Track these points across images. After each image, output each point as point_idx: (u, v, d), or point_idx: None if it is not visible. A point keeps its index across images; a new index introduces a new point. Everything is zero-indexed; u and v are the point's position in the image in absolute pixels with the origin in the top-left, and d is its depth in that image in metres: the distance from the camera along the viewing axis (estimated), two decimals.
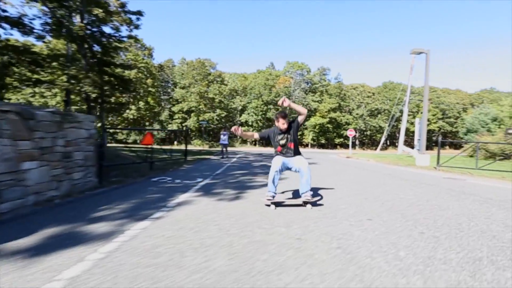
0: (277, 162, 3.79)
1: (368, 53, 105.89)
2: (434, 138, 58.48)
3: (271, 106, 44.08)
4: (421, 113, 51.73)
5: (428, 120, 53.60)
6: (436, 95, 59.66)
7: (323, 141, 50.42)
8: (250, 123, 45.56)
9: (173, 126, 42.59)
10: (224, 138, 15.92)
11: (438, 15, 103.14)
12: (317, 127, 46.93)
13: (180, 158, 11.82)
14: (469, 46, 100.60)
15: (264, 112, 44.47)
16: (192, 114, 44.04)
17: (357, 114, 52.10)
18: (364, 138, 55.84)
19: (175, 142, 45.25)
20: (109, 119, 39.94)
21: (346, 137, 53.74)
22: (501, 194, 4.98)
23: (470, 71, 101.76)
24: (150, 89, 40.28)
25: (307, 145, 50.17)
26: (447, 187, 5.71)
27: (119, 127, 36.06)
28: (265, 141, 4.16)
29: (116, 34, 12.85)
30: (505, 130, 17.09)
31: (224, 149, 15.83)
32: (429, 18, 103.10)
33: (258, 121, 45.93)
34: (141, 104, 38.28)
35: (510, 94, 20.96)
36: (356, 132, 53.54)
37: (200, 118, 42.86)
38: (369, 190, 5.10)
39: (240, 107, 46.86)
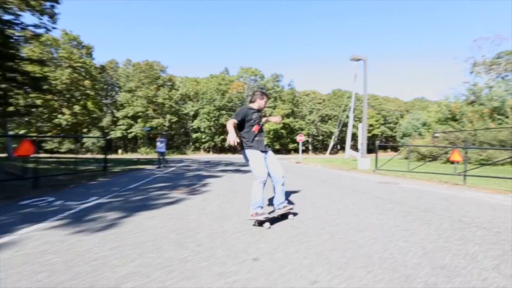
0: (262, 163, 3.08)
1: (319, 62, 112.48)
2: (378, 142, 63.63)
3: (224, 112, 43.00)
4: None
5: (372, 125, 58.08)
6: (378, 103, 65.26)
7: (277, 147, 50.95)
8: (202, 129, 43.79)
9: (117, 133, 38.71)
10: (161, 145, 14.40)
11: (381, 28, 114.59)
12: (271, 132, 47.21)
13: (101, 170, 10.08)
14: (407, 58, 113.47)
15: (217, 117, 43.16)
16: (139, 120, 40.64)
17: (309, 120, 53.99)
18: (317, 143, 58.11)
19: (120, 151, 41.25)
20: (38, 125, 34.64)
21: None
22: (426, 200, 4.68)
23: (406, 81, 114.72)
24: (88, 91, 36.11)
25: None
26: (378, 194, 5.31)
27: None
28: (240, 123, 3.24)
29: (17, 21, 10.53)
30: (432, 134, 18.66)
31: (161, 157, 14.26)
32: (373, 30, 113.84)
33: (212, 127, 44.42)
34: (77, 108, 33.93)
35: (436, 102, 23.87)
36: (309, 137, 55.43)
37: (148, 125, 39.78)
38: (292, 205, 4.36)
39: (192, 113, 44.80)
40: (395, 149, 52.85)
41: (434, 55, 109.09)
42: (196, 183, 7.11)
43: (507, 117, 14.97)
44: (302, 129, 51.75)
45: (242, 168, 12.82)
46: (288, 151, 53.52)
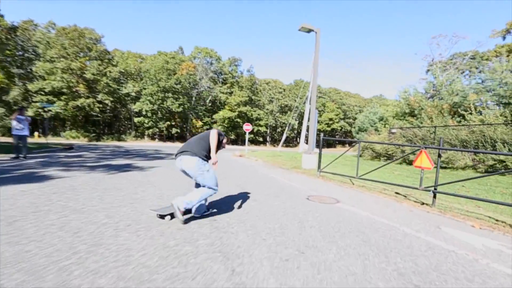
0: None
1: (282, 52, 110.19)
2: (337, 136, 63.45)
3: (170, 94, 37.63)
4: (325, 112, 53.94)
5: (332, 120, 57.20)
6: (339, 97, 64.77)
7: (233, 137, 47.20)
8: (144, 113, 38.03)
9: (29, 112, 31.35)
10: (20, 126, 9.58)
11: (348, 26, 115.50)
12: (225, 121, 43.18)
13: None
14: (370, 56, 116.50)
15: (161, 100, 37.64)
16: (62, 97, 33.48)
17: (267, 109, 50.96)
18: (275, 134, 55.60)
19: (36, 133, 33.83)
20: None
21: (258, 133, 52.20)
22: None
23: (367, 79, 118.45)
24: None
25: None
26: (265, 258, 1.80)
27: None
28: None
29: None
30: (388, 129, 16.46)
31: (20, 142, 9.45)
32: (338, 28, 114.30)
33: (158, 111, 38.78)
34: None
35: (393, 100, 23.19)
36: (267, 128, 52.59)
37: (71, 104, 32.90)
38: None
39: (133, 94, 38.57)
40: (349, 144, 52.66)
41: (395, 55, 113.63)
42: None
43: (471, 113, 12.96)
44: (260, 119, 48.54)
45: (145, 165, 8.62)
46: (244, 142, 50.14)
